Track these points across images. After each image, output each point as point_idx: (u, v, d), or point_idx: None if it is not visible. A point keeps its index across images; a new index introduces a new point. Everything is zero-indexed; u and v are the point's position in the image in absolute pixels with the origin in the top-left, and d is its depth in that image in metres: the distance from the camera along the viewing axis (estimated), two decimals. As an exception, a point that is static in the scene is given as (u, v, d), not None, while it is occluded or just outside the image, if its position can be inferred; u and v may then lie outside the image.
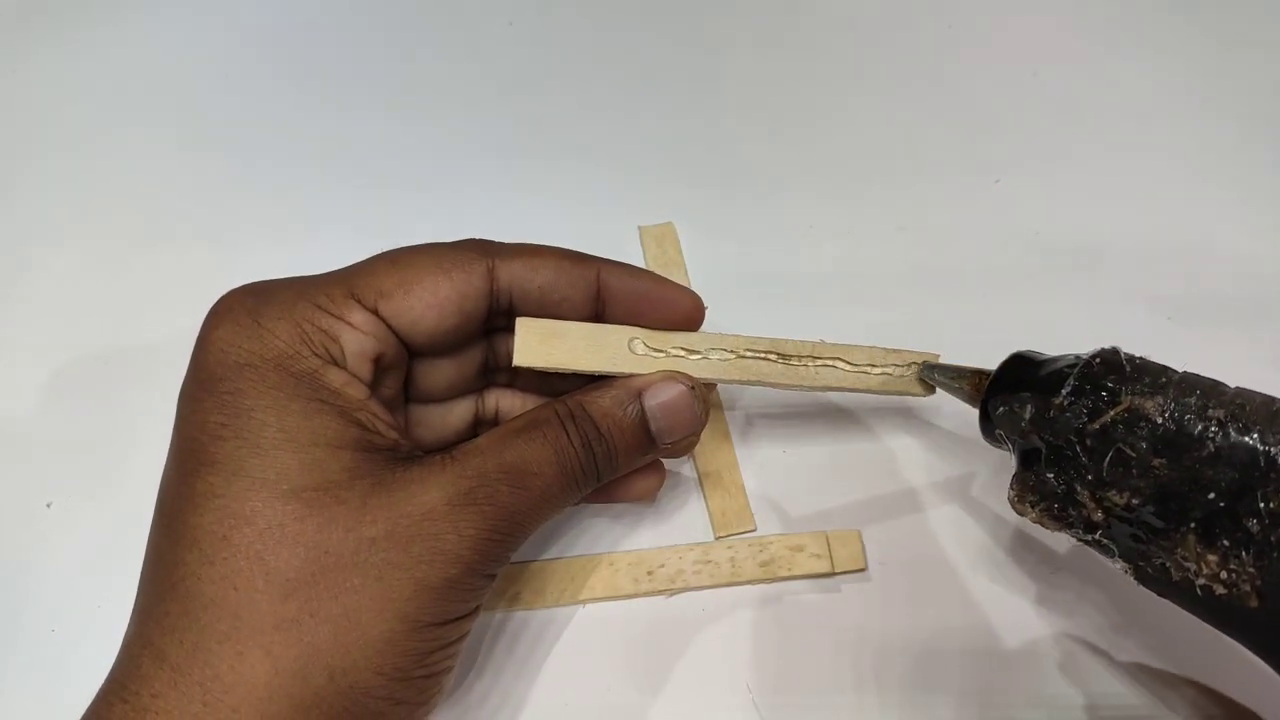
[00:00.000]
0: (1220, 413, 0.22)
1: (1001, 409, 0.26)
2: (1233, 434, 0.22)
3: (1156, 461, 0.23)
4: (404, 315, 0.24)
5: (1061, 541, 0.32)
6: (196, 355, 0.23)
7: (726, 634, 0.31)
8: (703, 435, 0.33)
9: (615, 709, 0.30)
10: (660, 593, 0.31)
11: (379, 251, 0.26)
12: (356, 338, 0.24)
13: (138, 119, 0.41)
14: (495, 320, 0.27)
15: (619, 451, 0.26)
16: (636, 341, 0.26)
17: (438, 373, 0.27)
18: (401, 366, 0.26)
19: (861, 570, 0.31)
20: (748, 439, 0.34)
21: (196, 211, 0.38)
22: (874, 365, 0.28)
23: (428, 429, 0.28)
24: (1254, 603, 0.22)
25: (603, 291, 0.27)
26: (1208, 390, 0.23)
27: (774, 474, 0.33)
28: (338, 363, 0.23)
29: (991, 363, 0.35)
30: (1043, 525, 0.25)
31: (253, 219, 0.38)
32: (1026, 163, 0.40)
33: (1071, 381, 0.24)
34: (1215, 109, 0.41)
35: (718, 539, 0.32)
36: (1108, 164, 0.40)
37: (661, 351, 0.27)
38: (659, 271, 0.36)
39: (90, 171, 0.39)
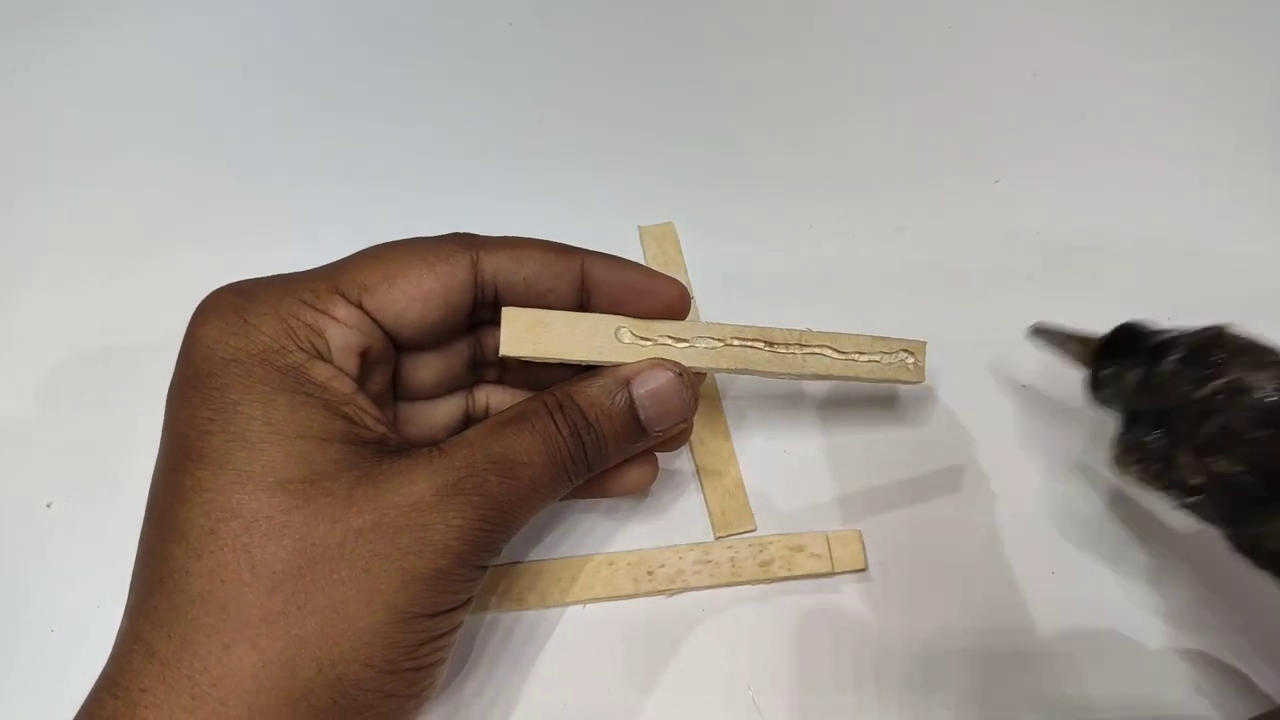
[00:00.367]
0: None
1: (1110, 371, 0.27)
2: None
3: (1260, 433, 0.23)
4: (389, 309, 0.25)
5: (1061, 541, 0.32)
6: (184, 352, 0.24)
7: (726, 634, 0.31)
8: (702, 435, 0.33)
9: (615, 709, 0.30)
10: (660, 593, 0.31)
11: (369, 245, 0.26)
12: (341, 331, 0.24)
13: (138, 120, 0.41)
14: (481, 313, 0.27)
15: (608, 440, 0.26)
16: (623, 330, 0.26)
17: (425, 368, 0.27)
18: (389, 362, 0.26)
19: (861, 570, 0.31)
20: (747, 439, 0.34)
21: (196, 213, 0.38)
22: (861, 353, 0.28)
23: (417, 426, 0.28)
24: None
25: (588, 282, 0.27)
26: None
27: (774, 473, 0.33)
28: (323, 357, 0.24)
29: (991, 362, 0.35)
30: (1142, 486, 0.26)
31: (252, 220, 0.38)
32: (1026, 163, 0.40)
33: (1181, 349, 0.25)
34: (1215, 109, 0.41)
35: (718, 539, 0.32)
36: (1108, 164, 0.40)
37: (649, 340, 0.27)
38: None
39: (90, 173, 0.39)
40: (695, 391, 0.27)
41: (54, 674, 0.30)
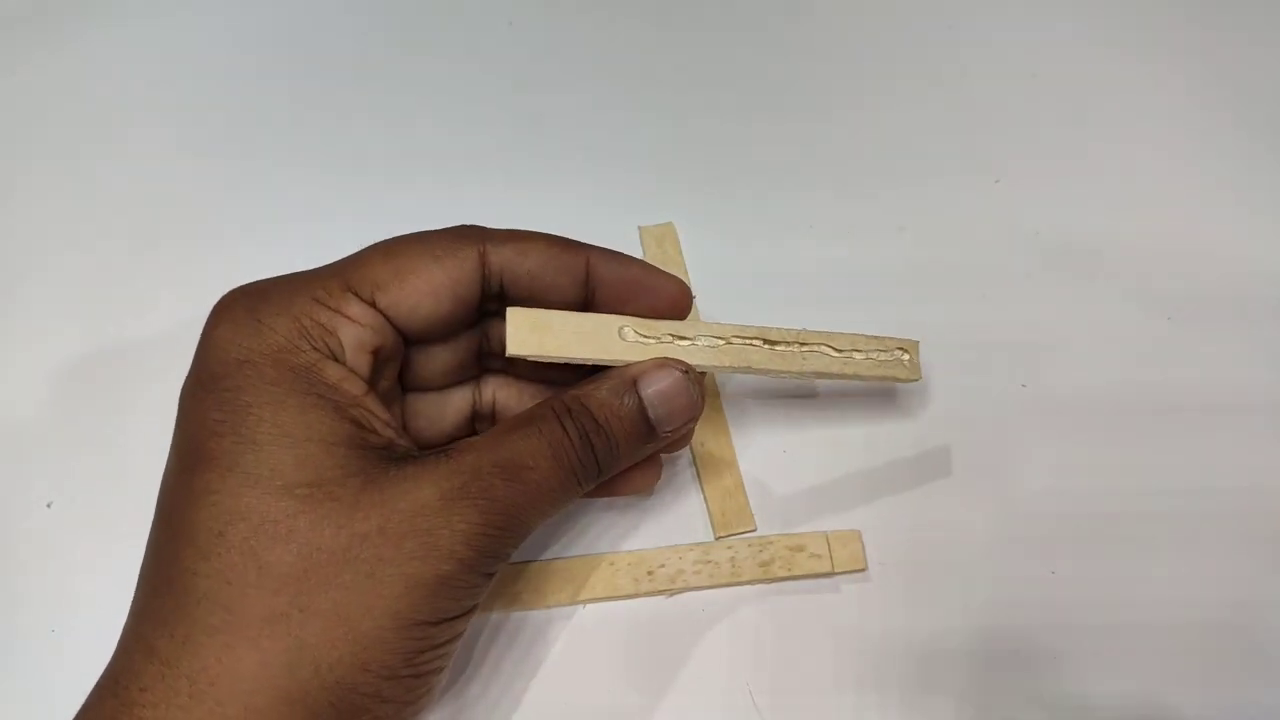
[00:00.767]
0: None
1: None
2: None
3: None
4: (400, 305, 0.25)
5: (1061, 541, 0.32)
6: (198, 353, 0.24)
7: (726, 634, 0.31)
8: (702, 435, 0.33)
9: (615, 709, 0.30)
10: (660, 593, 0.31)
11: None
12: (354, 330, 0.24)
13: (139, 118, 0.41)
14: (488, 305, 0.27)
15: (620, 442, 0.26)
16: (626, 329, 0.26)
17: (433, 361, 0.27)
18: (398, 358, 0.26)
19: (861, 570, 0.31)
20: (747, 439, 0.34)
21: (197, 211, 0.38)
22: (857, 350, 0.29)
23: (425, 419, 0.28)
24: None
25: (592, 278, 0.27)
26: None
27: (774, 474, 0.33)
28: (336, 357, 0.24)
29: (991, 362, 0.35)
30: None
31: (253, 219, 0.38)
32: (1026, 163, 0.40)
33: None
34: (1216, 109, 0.41)
35: (718, 539, 0.32)
36: (1107, 164, 0.40)
37: (652, 337, 0.27)
38: (659, 271, 0.37)
39: (91, 171, 0.39)
40: (701, 389, 0.27)
41: (54, 674, 0.30)
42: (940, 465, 0.33)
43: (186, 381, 0.24)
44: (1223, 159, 0.40)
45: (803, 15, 0.44)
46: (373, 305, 0.24)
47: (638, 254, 0.37)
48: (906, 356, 0.30)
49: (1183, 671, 0.30)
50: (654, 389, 0.26)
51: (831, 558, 0.31)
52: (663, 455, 0.30)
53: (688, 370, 0.26)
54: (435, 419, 0.28)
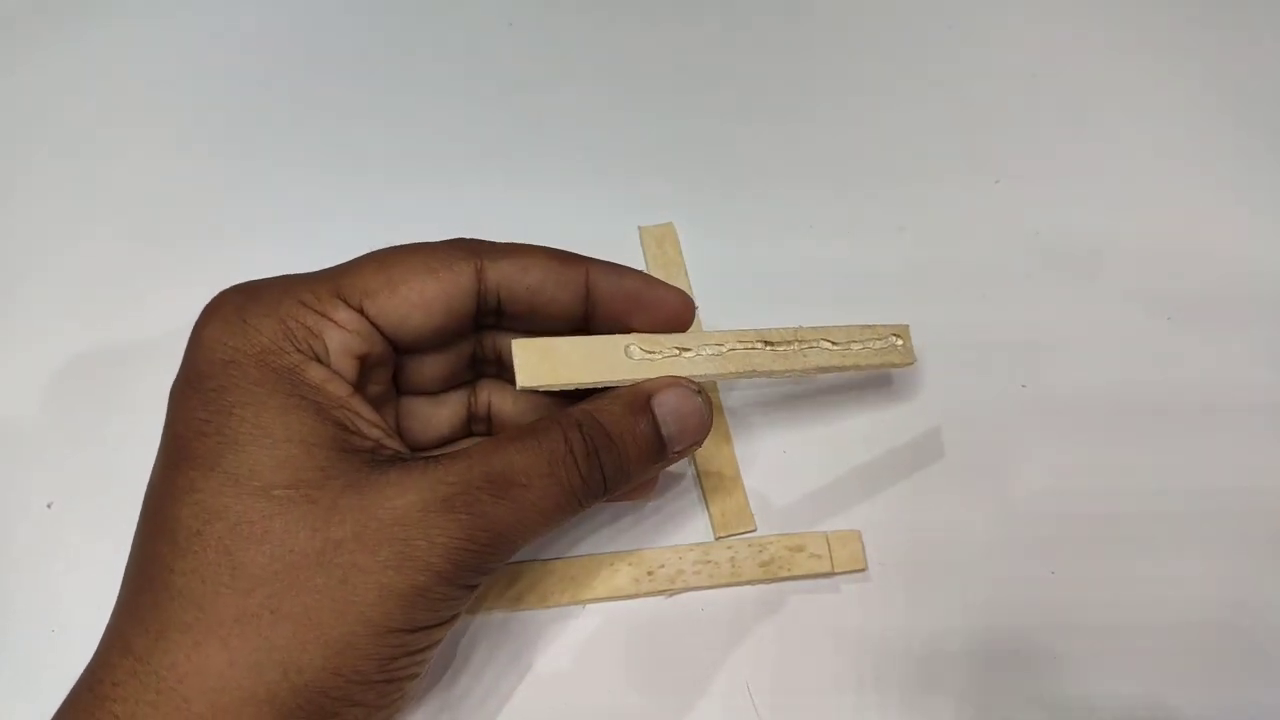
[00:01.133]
0: None
1: None
2: None
3: None
4: (390, 314, 0.25)
5: (1061, 541, 0.32)
6: (187, 353, 0.24)
7: (726, 634, 0.31)
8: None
9: (615, 709, 0.30)
10: (660, 593, 0.31)
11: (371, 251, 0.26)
12: (340, 335, 0.24)
13: (138, 118, 0.41)
14: (485, 319, 0.27)
15: (632, 459, 0.25)
16: (632, 347, 0.26)
17: (428, 367, 0.27)
18: (388, 364, 0.26)
19: (861, 570, 0.31)
20: (747, 439, 0.34)
21: (196, 211, 0.38)
22: (854, 342, 0.29)
23: (420, 422, 0.28)
24: None
25: (591, 292, 0.27)
26: None
27: (774, 474, 0.33)
28: (320, 359, 0.23)
29: (991, 362, 0.35)
30: None
31: (252, 219, 0.38)
32: (1026, 163, 0.40)
33: None
34: (1216, 109, 0.41)
35: (718, 539, 0.32)
36: (1108, 164, 0.40)
37: (656, 353, 0.26)
38: (660, 272, 0.37)
39: (90, 171, 0.39)
40: (711, 408, 0.27)
41: (54, 674, 0.30)
42: (940, 465, 0.33)
43: (175, 381, 0.24)
44: (1223, 159, 0.40)
45: (802, 15, 0.44)
46: (361, 312, 0.24)
47: (637, 254, 0.37)
48: (900, 341, 0.30)
49: (1183, 671, 0.30)
50: (668, 407, 0.26)
51: (831, 558, 0.31)
52: None
53: (700, 390, 0.26)
54: (430, 422, 0.28)
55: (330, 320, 0.24)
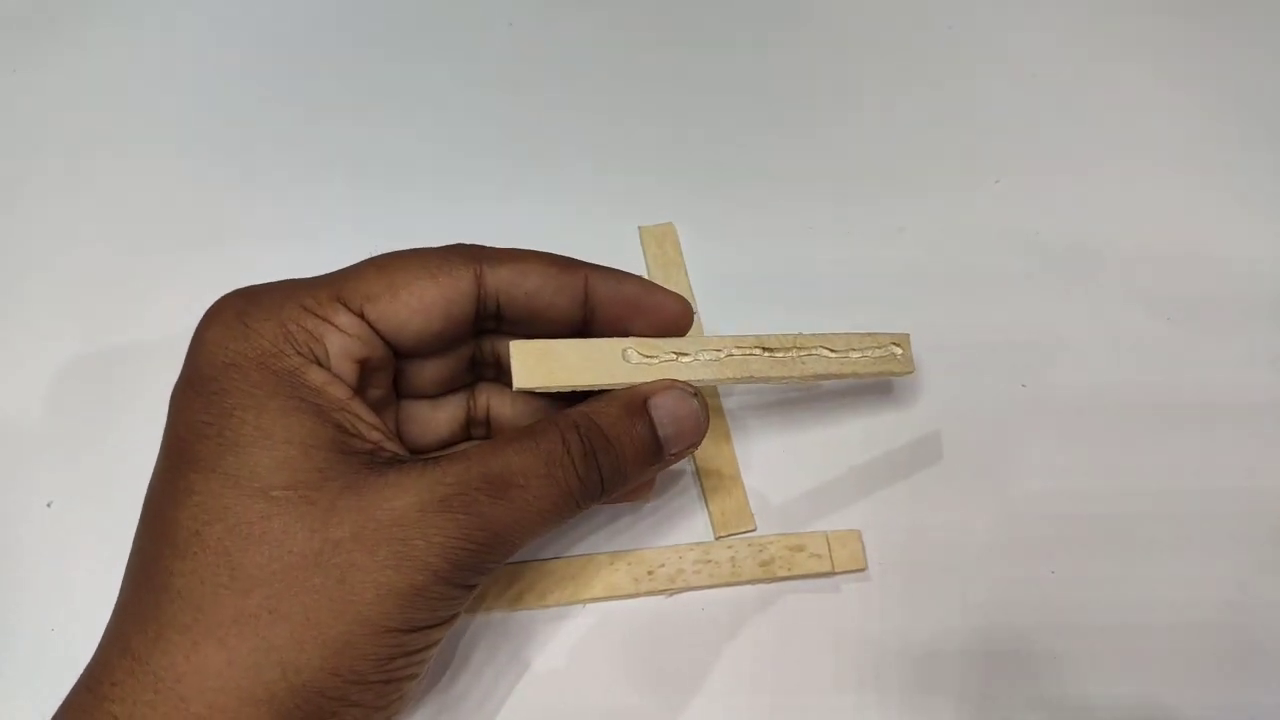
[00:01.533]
0: None
1: None
2: None
3: None
4: (390, 319, 0.25)
5: (1061, 541, 0.32)
6: (189, 355, 0.24)
7: (726, 634, 0.31)
8: (702, 435, 0.33)
9: (615, 709, 0.30)
10: (660, 592, 0.31)
11: (375, 254, 0.26)
12: (340, 339, 0.24)
13: (138, 120, 0.41)
14: (484, 324, 0.27)
15: (629, 461, 0.25)
16: (630, 351, 0.26)
17: (427, 369, 0.27)
18: (388, 368, 0.26)
19: (861, 570, 0.31)
20: (747, 439, 0.34)
21: (197, 213, 0.38)
22: (853, 349, 0.29)
23: (420, 425, 0.28)
24: None
25: (590, 297, 0.27)
26: None
27: (774, 474, 0.33)
28: (321, 363, 0.24)
29: (991, 363, 0.35)
30: None
31: (253, 221, 0.38)
32: (1026, 163, 0.40)
33: None
34: (1215, 110, 0.41)
35: (718, 539, 0.32)
36: (1107, 165, 0.40)
37: (654, 357, 0.27)
38: (660, 272, 0.37)
39: (91, 172, 0.39)
40: (707, 412, 0.27)
41: (54, 674, 0.30)
42: (940, 465, 0.33)
43: (176, 383, 0.24)
44: (1223, 159, 0.40)
45: (802, 16, 0.44)
46: (361, 317, 0.24)
47: (637, 254, 0.37)
48: (899, 350, 0.30)
49: (1183, 671, 0.30)
50: (665, 410, 0.26)
51: (831, 557, 0.31)
52: None
53: (697, 393, 0.26)
54: (429, 426, 0.28)
55: (331, 324, 0.24)
